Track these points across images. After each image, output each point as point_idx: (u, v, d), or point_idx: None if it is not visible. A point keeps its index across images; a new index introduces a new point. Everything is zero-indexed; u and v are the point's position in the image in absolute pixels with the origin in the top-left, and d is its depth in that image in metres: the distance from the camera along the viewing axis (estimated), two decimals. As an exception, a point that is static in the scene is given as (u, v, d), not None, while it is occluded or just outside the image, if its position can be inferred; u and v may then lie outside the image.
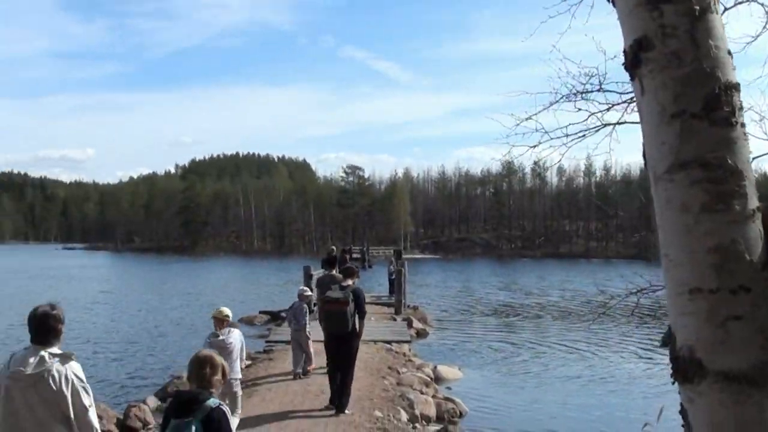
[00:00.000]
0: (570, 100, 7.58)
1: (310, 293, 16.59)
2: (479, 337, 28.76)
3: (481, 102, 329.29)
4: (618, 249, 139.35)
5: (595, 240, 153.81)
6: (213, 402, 5.04)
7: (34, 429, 5.55)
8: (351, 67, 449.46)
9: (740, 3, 5.57)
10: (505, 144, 7.89)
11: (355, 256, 58.51)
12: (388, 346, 20.49)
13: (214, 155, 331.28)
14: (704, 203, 2.41)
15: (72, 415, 5.55)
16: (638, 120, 2.71)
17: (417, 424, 13.06)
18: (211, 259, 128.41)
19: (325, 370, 13.80)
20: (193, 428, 4.89)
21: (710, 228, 2.40)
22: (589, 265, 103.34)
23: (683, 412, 2.59)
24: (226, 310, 11.05)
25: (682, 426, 2.60)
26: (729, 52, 2.52)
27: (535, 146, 7.75)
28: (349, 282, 12.79)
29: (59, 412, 5.55)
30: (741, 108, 2.49)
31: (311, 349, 15.92)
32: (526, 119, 7.62)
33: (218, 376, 5.32)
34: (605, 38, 7.57)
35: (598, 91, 7.50)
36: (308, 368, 15.69)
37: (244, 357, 11.49)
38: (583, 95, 7.56)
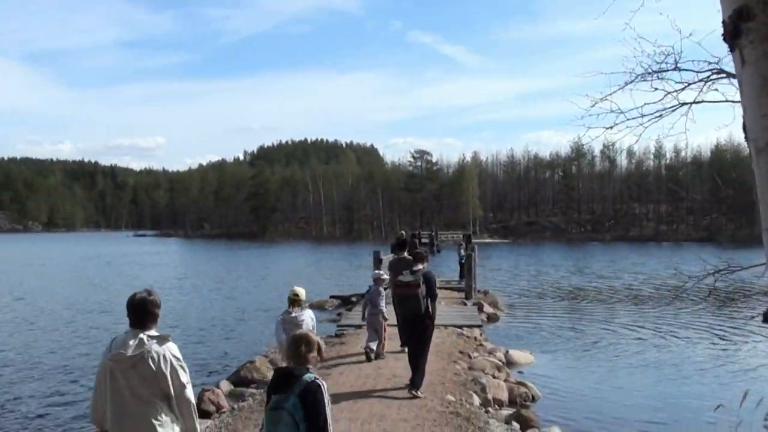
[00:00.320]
0: (645, 80, 7.50)
1: (386, 277, 16.63)
2: (550, 321, 28.55)
3: (550, 85, 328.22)
4: (689, 232, 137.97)
5: (665, 223, 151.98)
6: (309, 377, 5.29)
7: (136, 407, 5.92)
8: (419, 51, 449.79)
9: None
10: (579, 126, 7.82)
11: (423, 240, 58.50)
12: (459, 330, 20.43)
13: (283, 141, 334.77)
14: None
15: (171, 392, 5.97)
16: (715, 99, 2.64)
17: (489, 408, 12.99)
18: (281, 245, 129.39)
19: (396, 355, 13.80)
20: (292, 401, 5.16)
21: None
22: (659, 249, 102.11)
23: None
24: (300, 291, 11.15)
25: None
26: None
27: (610, 127, 7.67)
28: (420, 266, 12.94)
29: (159, 390, 5.94)
30: None
31: (386, 333, 16.07)
32: (602, 99, 7.53)
33: (314, 354, 5.55)
34: (679, 17, 7.46)
35: (674, 70, 7.40)
36: (380, 351, 15.76)
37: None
38: (659, 74, 7.46)
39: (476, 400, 12.86)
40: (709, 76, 7.32)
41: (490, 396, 13.53)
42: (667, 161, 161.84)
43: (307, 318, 11.03)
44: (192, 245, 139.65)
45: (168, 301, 36.60)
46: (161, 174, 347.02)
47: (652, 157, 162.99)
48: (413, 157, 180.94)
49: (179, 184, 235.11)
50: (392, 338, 16.23)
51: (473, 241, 46.85)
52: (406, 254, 17.25)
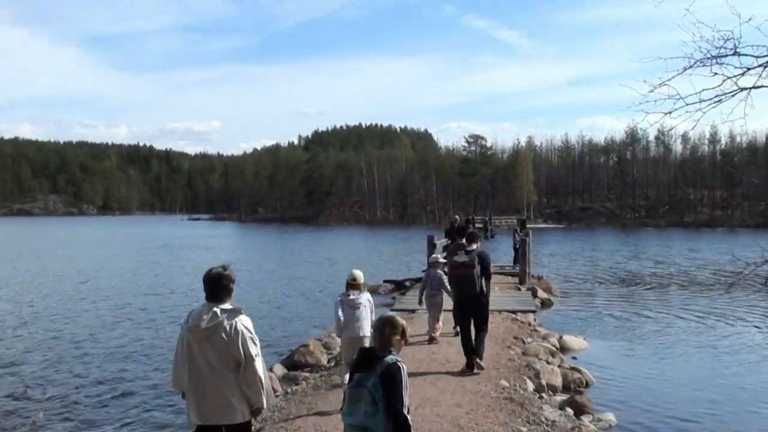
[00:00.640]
0: (704, 65, 7.46)
1: (442, 261, 16.76)
2: (605, 306, 28.31)
3: (605, 70, 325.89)
4: (743, 218, 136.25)
5: (720, 209, 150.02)
6: (390, 358, 5.51)
7: (210, 376, 6.43)
8: (473, 36, 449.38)
9: None
10: (636, 111, 7.78)
11: (477, 225, 58.46)
12: (513, 316, 20.44)
13: (337, 126, 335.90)
14: None
15: (242, 363, 6.40)
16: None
17: (543, 394, 13.01)
18: (335, 229, 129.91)
19: (449, 339, 13.88)
20: (372, 381, 5.38)
21: None
22: (714, 234, 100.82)
23: None
24: (358, 275, 11.27)
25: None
26: None
27: (669, 113, 7.63)
28: (474, 246, 13.31)
29: (231, 361, 6.41)
30: None
31: (441, 315, 16.30)
32: (660, 85, 7.49)
33: (398, 336, 5.77)
34: (739, 1, 7.41)
35: (733, 55, 7.35)
36: (434, 334, 15.89)
37: (374, 319, 11.65)
38: (718, 60, 7.43)
39: (530, 386, 12.89)
40: (768, 61, 7.29)
41: (543, 381, 13.54)
42: (722, 147, 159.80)
43: (365, 301, 11.09)
44: (246, 229, 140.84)
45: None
46: (216, 158, 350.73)
47: (706, 142, 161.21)
48: (467, 141, 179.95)
49: (234, 168, 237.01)
50: (445, 322, 16.35)
51: (527, 226, 46.65)
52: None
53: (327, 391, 12.29)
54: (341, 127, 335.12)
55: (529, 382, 13.06)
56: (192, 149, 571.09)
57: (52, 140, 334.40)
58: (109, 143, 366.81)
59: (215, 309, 6.42)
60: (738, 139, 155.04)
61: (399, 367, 5.42)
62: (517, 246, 32.93)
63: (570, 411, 11.97)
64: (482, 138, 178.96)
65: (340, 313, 10.93)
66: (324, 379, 13.83)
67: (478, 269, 12.90)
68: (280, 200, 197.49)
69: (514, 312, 20.89)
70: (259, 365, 6.51)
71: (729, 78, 7.36)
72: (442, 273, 16.12)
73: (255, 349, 6.48)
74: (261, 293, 34.06)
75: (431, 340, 15.78)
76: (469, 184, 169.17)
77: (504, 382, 12.44)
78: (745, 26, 7.07)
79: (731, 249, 52.35)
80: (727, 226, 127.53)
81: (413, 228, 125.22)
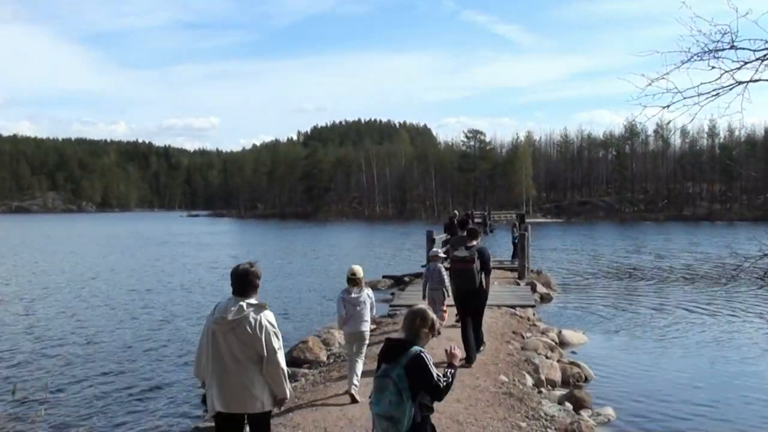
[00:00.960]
0: (702, 59, 7.49)
1: (442, 255, 16.83)
2: (604, 301, 28.34)
3: (604, 64, 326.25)
4: (742, 211, 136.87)
5: (719, 202, 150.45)
6: (416, 349, 5.61)
7: (233, 366, 6.72)
8: (472, 31, 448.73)
9: None
10: (634, 105, 7.79)
11: (476, 220, 58.43)
12: (512, 310, 20.45)
13: (336, 122, 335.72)
14: None
15: (265, 356, 6.71)
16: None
17: (542, 389, 13.02)
18: (334, 225, 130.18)
19: (449, 333, 13.92)
20: (397, 372, 5.49)
21: None
22: (713, 228, 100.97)
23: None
24: (357, 270, 11.32)
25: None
26: None
27: (667, 106, 7.64)
28: (474, 242, 13.59)
29: (254, 353, 6.70)
30: None
31: (445, 305, 16.32)
32: (658, 78, 7.51)
33: (426, 329, 5.83)
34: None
35: (730, 48, 7.37)
36: (441, 320, 15.95)
37: (373, 314, 11.66)
38: (715, 53, 7.44)
39: (529, 381, 12.90)
40: (765, 55, 7.31)
41: (543, 376, 13.55)
42: (721, 140, 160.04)
43: (365, 297, 11.20)
44: (245, 225, 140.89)
45: (220, 280, 36.96)
46: (215, 154, 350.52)
47: (705, 136, 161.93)
48: (466, 136, 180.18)
49: (233, 164, 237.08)
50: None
51: (526, 220, 46.67)
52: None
53: (326, 387, 12.27)
54: (340, 122, 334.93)
55: (528, 376, 13.07)
56: (191, 145, 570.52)
57: (50, 137, 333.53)
58: (108, 140, 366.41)
59: (241, 303, 6.76)
60: (736, 132, 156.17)
61: (423, 357, 5.52)
62: (516, 241, 32.97)
63: (569, 405, 11.98)
64: (481, 133, 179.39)
65: (342, 310, 11.15)
66: (323, 375, 13.82)
67: (477, 264, 13.17)
68: (279, 196, 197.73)
69: (513, 307, 20.89)
70: (281, 357, 6.81)
71: (726, 72, 7.39)
72: (442, 267, 16.17)
73: (278, 343, 6.80)
74: (260, 289, 33.92)
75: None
76: (468, 179, 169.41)
77: (503, 377, 12.45)
78: (742, 20, 7.10)
79: (730, 243, 52.60)
80: (725, 220, 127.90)
81: (412, 223, 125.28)
